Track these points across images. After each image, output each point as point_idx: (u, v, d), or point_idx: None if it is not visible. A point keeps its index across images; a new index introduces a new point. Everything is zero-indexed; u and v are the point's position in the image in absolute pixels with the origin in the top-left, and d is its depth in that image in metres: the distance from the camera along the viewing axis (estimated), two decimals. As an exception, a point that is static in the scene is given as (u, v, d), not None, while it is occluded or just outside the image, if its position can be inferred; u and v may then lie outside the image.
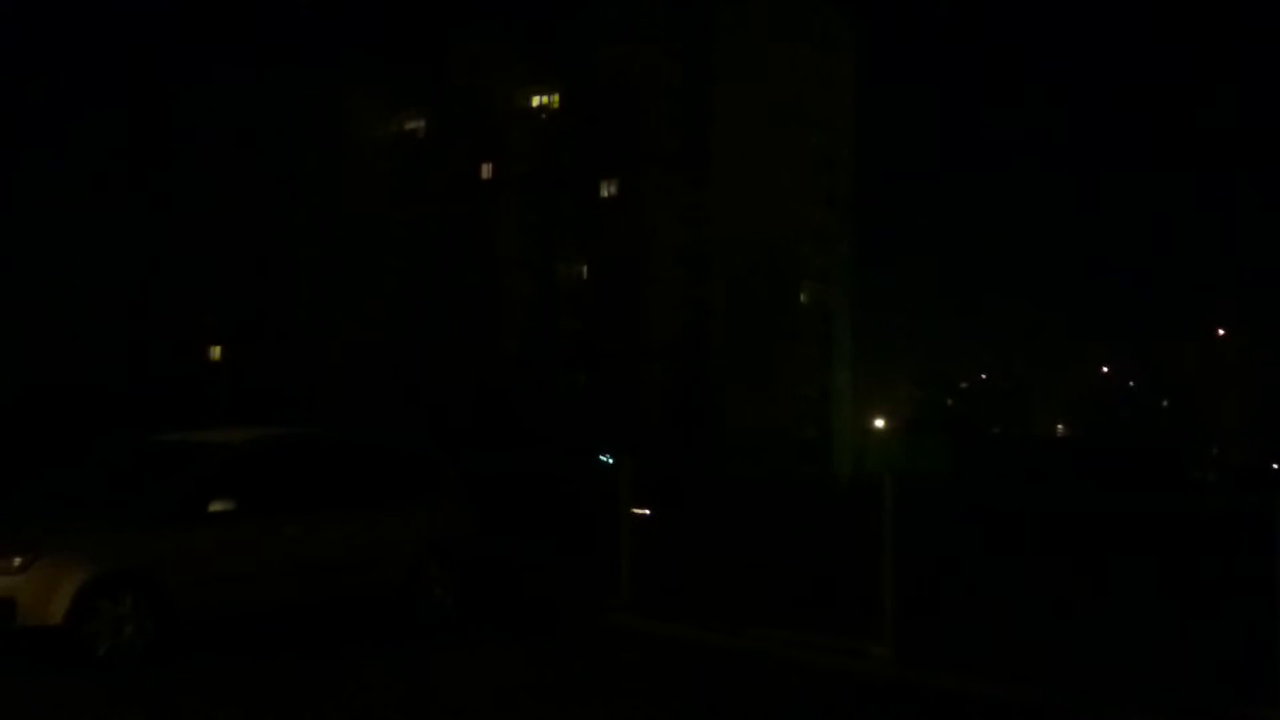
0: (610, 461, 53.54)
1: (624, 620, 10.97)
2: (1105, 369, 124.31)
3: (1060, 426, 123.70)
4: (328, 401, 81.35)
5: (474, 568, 11.30)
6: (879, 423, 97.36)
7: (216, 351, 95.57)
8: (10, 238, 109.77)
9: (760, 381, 72.38)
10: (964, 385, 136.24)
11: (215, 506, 9.22)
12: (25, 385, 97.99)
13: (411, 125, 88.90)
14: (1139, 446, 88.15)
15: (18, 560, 8.36)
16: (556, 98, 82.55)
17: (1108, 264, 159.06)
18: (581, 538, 14.29)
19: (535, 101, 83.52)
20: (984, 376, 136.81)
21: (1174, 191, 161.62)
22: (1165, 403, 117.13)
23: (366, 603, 10.33)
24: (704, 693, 8.64)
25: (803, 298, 75.30)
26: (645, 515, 11.88)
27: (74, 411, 74.00)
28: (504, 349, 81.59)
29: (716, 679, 9.04)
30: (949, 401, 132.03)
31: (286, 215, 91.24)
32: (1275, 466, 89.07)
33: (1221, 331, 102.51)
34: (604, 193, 79.83)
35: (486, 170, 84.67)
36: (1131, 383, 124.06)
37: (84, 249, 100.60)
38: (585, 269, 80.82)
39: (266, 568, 9.49)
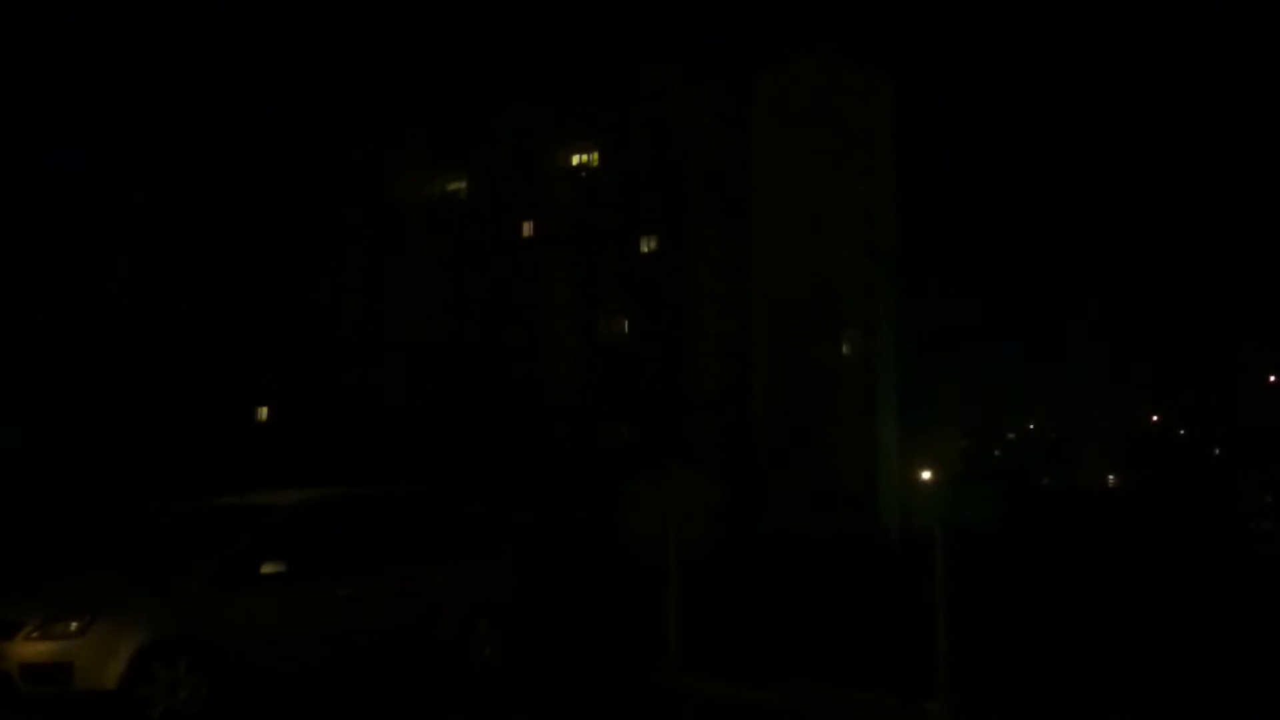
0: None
1: (673, 679, 10.88)
2: (1155, 417, 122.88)
3: (1111, 476, 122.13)
4: (375, 460, 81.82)
5: (523, 626, 11.28)
6: (926, 474, 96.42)
7: (264, 412, 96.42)
8: (59, 302, 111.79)
9: (805, 433, 72.01)
10: (1011, 436, 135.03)
11: (268, 569, 9.27)
12: (77, 449, 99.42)
13: (454, 185, 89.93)
14: (1193, 495, 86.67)
15: (75, 624, 8.45)
16: (597, 155, 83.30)
17: (1156, 312, 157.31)
18: (628, 595, 14.23)
19: (576, 160, 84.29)
20: (1031, 427, 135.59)
21: (1221, 237, 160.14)
22: (1217, 451, 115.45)
23: (417, 662, 10.33)
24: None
25: (846, 349, 74.94)
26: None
27: (124, 475, 74.94)
28: (548, 404, 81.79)
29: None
30: (996, 452, 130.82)
31: (333, 275, 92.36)
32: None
33: (1273, 378, 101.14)
34: (645, 248, 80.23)
35: (528, 228, 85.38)
36: (1182, 431, 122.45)
37: (131, 313, 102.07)
38: (628, 324, 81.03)
39: (319, 629, 9.53)
